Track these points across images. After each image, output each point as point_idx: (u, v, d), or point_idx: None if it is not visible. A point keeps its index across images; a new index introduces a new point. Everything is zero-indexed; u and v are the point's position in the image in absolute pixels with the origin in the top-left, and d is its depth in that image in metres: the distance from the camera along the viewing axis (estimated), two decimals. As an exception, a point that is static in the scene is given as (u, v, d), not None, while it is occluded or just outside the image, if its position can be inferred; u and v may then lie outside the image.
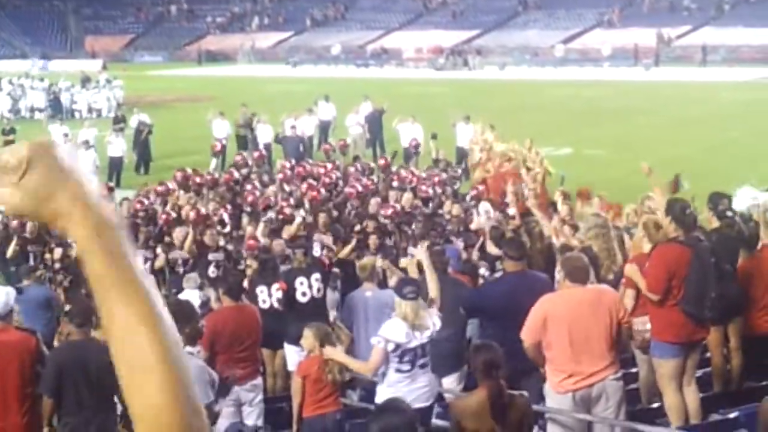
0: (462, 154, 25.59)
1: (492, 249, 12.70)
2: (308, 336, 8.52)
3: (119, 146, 27.74)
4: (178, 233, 14.37)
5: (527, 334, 7.75)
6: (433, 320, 8.19)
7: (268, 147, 27.55)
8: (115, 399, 7.88)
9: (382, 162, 22.18)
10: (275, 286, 11.29)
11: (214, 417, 7.27)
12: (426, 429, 5.27)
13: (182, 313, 7.28)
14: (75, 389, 7.75)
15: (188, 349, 7.08)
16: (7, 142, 28.86)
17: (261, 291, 11.32)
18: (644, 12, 76.46)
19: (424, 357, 8.11)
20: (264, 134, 28.57)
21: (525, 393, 6.73)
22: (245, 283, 11.22)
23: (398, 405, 5.20)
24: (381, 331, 8.20)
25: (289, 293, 11.14)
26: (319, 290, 11.21)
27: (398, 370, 8.07)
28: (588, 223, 11.05)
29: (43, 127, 30.18)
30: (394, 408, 5.07)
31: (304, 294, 11.11)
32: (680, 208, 8.79)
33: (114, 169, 26.96)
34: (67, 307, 11.39)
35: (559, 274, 8.30)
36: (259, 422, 9.39)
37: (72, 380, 7.75)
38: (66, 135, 28.18)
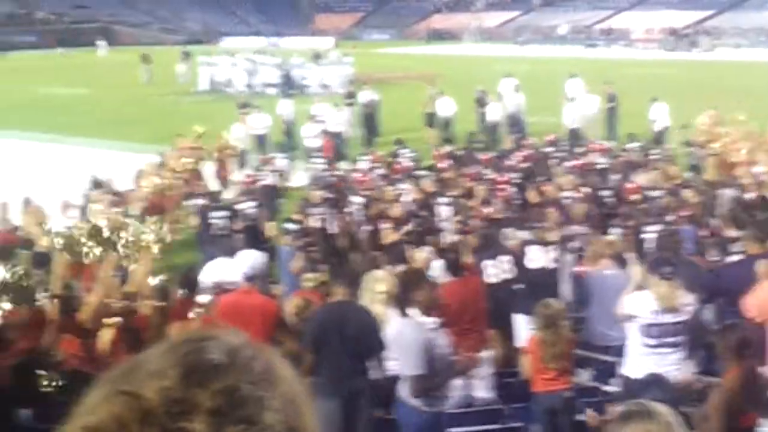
0: (658, 136, 24.76)
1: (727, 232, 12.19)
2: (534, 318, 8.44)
3: (345, 121, 28.25)
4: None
5: None
6: (686, 301, 7.93)
7: (448, 121, 28.01)
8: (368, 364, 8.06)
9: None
10: (502, 257, 11.17)
11: (436, 388, 7.26)
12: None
13: (411, 279, 7.36)
14: (333, 347, 7.89)
15: (422, 319, 7.12)
16: (244, 115, 29.90)
17: (487, 265, 11.15)
18: None
19: (675, 336, 7.86)
20: (445, 109, 28.64)
21: None
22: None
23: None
24: (626, 303, 8.06)
25: (518, 260, 11.08)
26: (552, 260, 11.03)
27: (645, 345, 7.91)
28: None
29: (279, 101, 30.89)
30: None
31: (532, 260, 10.99)
32: None
33: (338, 142, 27.25)
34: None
35: None
36: (490, 395, 9.39)
37: (330, 338, 7.90)
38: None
